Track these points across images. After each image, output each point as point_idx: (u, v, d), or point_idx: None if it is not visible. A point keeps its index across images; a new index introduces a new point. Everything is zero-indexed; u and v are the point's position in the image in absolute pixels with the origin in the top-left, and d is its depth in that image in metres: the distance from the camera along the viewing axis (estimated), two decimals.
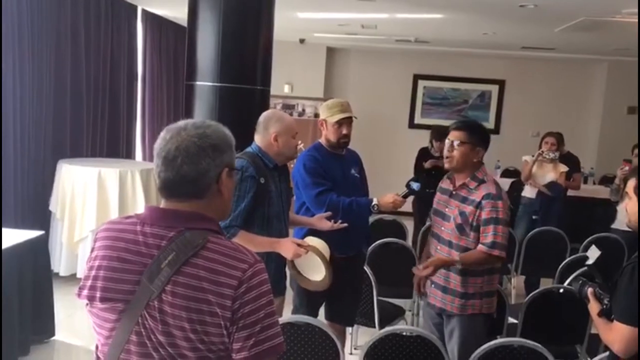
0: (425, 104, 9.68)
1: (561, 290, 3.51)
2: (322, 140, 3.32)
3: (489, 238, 2.79)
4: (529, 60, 9.22)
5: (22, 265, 3.74)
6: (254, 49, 4.59)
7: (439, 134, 6.15)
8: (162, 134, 1.41)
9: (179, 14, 7.43)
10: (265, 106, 4.81)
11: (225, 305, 1.29)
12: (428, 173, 6.28)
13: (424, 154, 6.51)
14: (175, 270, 1.31)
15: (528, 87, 9.41)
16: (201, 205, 1.39)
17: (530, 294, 3.51)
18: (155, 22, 7.43)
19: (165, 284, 1.30)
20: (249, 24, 4.54)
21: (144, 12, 7.13)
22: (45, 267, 4.06)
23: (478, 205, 2.83)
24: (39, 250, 3.97)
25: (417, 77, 9.58)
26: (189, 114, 4.71)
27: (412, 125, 9.64)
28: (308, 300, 3.20)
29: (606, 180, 8.16)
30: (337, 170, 3.30)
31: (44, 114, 5.21)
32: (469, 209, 2.86)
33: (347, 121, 3.25)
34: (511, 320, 3.56)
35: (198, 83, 4.57)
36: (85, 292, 1.38)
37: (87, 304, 1.39)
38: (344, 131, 3.25)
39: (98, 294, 1.36)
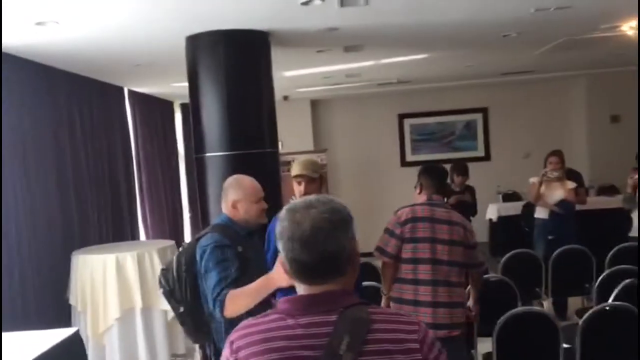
0: (414, 141, 9.79)
1: (608, 308, 3.49)
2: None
3: None
4: (510, 85, 9.41)
5: None
6: (259, 113, 4.63)
7: (461, 168, 6.20)
8: (285, 216, 1.36)
9: (162, 89, 7.51)
10: (276, 167, 4.81)
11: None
12: (454, 208, 6.25)
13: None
14: (358, 351, 1.27)
15: (512, 110, 9.60)
16: (344, 281, 1.36)
17: (587, 313, 3.42)
18: (142, 100, 7.46)
19: None
20: (251, 89, 4.58)
21: (130, 92, 7.17)
22: None
23: None
24: (74, 350, 3.83)
25: (402, 117, 9.73)
26: (202, 186, 4.67)
27: (404, 163, 9.72)
28: None
29: (605, 191, 8.27)
30: None
31: (50, 210, 5.14)
32: None
33: (305, 179, 3.25)
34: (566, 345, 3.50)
35: (208, 155, 4.56)
36: None
37: None
38: (302, 188, 3.25)
39: None
